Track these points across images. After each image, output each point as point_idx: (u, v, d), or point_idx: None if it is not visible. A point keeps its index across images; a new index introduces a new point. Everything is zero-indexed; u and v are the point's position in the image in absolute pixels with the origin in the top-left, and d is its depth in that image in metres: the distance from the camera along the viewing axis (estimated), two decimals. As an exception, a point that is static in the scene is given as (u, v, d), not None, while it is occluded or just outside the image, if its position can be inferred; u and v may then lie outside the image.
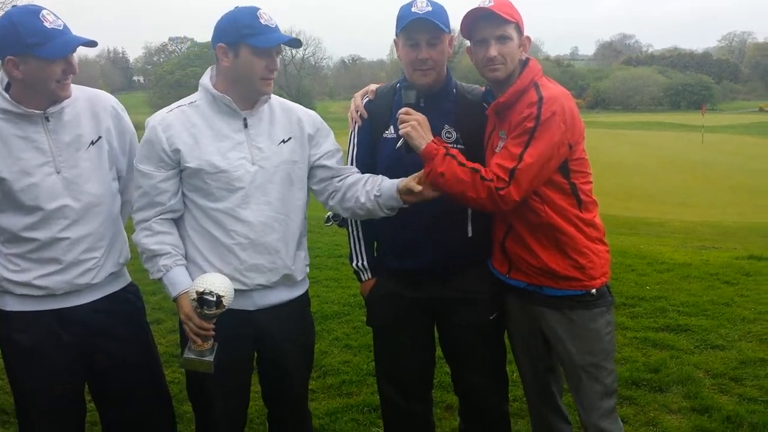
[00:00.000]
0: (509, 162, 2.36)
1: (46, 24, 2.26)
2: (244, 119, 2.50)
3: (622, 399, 3.81)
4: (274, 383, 2.75)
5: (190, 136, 2.46)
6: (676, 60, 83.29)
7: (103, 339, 2.55)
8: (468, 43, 2.57)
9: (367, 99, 2.83)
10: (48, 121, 2.40)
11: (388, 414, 2.99)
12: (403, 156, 2.56)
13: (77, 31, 2.38)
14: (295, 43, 2.53)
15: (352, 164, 2.78)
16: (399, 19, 2.52)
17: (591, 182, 2.59)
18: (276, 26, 2.43)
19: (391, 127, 2.68)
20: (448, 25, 2.51)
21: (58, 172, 2.41)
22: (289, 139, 2.59)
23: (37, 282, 2.43)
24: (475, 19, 2.45)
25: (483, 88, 2.71)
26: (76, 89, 2.48)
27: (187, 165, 2.45)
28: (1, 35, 2.28)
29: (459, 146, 2.59)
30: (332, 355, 4.53)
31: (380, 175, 2.63)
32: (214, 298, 2.31)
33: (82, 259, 2.47)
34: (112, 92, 2.62)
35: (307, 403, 2.91)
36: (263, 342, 2.62)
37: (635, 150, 27.83)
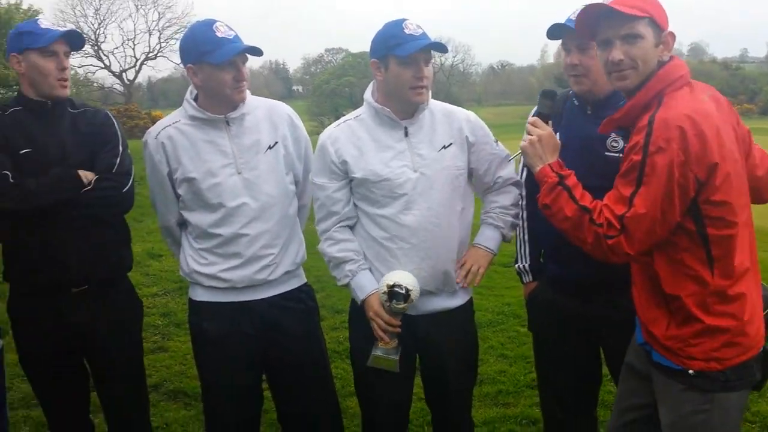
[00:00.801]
0: (619, 206, 2.00)
1: (218, 34, 2.47)
2: (405, 128, 2.57)
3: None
4: (436, 389, 2.81)
5: (356, 148, 2.58)
6: None
7: (277, 334, 2.72)
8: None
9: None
10: (229, 125, 2.62)
11: (548, 427, 2.93)
12: (569, 163, 2.40)
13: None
14: (441, 47, 2.52)
15: (523, 165, 2.76)
16: None
17: (735, 235, 2.00)
18: (422, 34, 2.44)
19: (558, 133, 2.53)
20: None
21: (239, 173, 2.62)
22: (450, 144, 2.62)
23: (222, 275, 2.65)
24: (594, 17, 2.08)
25: None
26: (256, 99, 2.71)
27: (353, 175, 2.57)
28: (184, 46, 2.55)
29: None
30: (488, 364, 4.50)
31: (492, 220, 2.70)
32: (403, 291, 2.44)
33: (261, 254, 2.65)
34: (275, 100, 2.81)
35: (470, 411, 2.92)
36: (426, 348, 2.69)
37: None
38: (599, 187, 2.28)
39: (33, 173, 2.59)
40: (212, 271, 2.67)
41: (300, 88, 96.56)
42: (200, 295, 2.74)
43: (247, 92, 2.68)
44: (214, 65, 2.49)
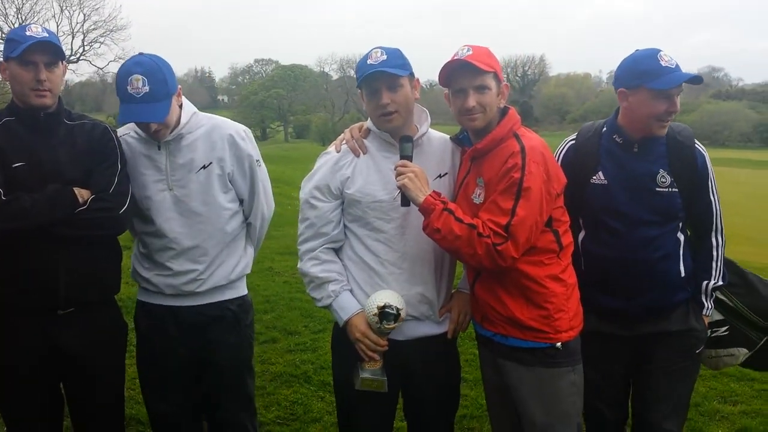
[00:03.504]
0: (502, 218, 2.33)
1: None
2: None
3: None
4: (419, 413, 2.81)
5: (353, 167, 2.60)
6: (768, 95, 79.74)
7: (203, 340, 2.80)
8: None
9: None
10: (160, 149, 2.69)
11: None
12: (612, 202, 2.63)
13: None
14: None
15: None
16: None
17: (568, 229, 2.57)
18: (380, 63, 2.47)
19: (600, 172, 2.69)
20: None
21: (170, 190, 2.67)
22: (445, 174, 2.66)
23: (153, 279, 2.75)
24: (452, 69, 2.44)
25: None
26: (204, 117, 2.76)
27: (347, 192, 2.57)
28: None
29: (673, 190, 2.62)
30: (448, 387, 4.47)
31: None
32: (394, 311, 2.44)
33: (186, 269, 2.73)
34: (198, 109, 2.81)
35: None
36: (411, 373, 2.67)
37: (728, 188, 26.58)
38: (650, 221, 2.61)
39: (26, 188, 2.45)
40: (146, 275, 2.80)
41: (225, 98, 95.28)
42: (139, 294, 2.91)
43: (192, 109, 2.73)
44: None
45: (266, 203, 2.93)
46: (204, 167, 2.69)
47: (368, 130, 2.65)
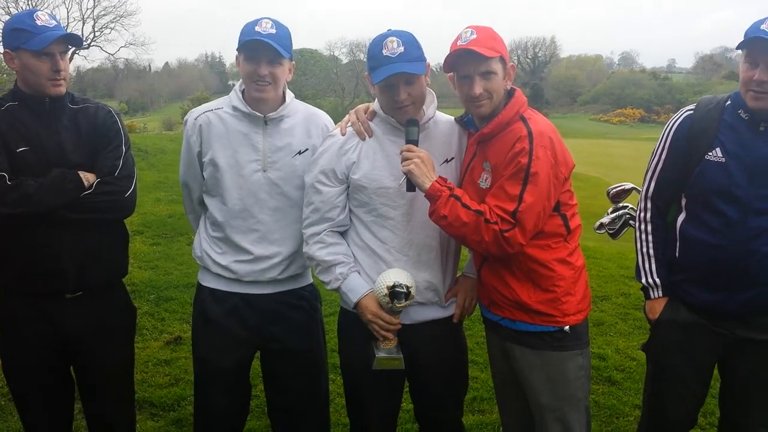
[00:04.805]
0: (509, 204, 2.29)
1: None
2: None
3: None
4: (427, 396, 2.81)
5: (360, 152, 2.56)
6: (783, 75, 78.26)
7: (276, 327, 2.74)
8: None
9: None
10: (267, 124, 2.62)
11: None
12: (728, 183, 2.38)
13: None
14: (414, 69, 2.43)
15: (651, 177, 2.64)
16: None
17: (576, 212, 2.53)
18: (398, 55, 2.38)
19: (717, 149, 2.44)
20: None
21: (264, 171, 2.62)
22: (452, 159, 2.62)
23: (232, 266, 2.67)
24: (457, 57, 2.37)
25: None
26: (299, 104, 2.73)
27: (353, 177, 2.54)
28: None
29: None
30: (458, 370, 4.48)
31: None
32: (404, 290, 2.43)
33: (268, 254, 2.67)
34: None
35: (461, 418, 2.92)
36: (418, 356, 2.66)
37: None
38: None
39: (30, 173, 2.45)
40: (223, 261, 2.71)
41: (236, 83, 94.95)
42: (207, 281, 2.80)
43: (290, 96, 2.68)
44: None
45: None
46: (300, 153, 2.70)
47: (374, 113, 2.62)
